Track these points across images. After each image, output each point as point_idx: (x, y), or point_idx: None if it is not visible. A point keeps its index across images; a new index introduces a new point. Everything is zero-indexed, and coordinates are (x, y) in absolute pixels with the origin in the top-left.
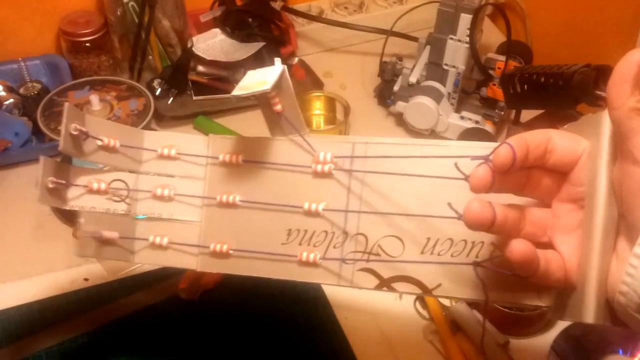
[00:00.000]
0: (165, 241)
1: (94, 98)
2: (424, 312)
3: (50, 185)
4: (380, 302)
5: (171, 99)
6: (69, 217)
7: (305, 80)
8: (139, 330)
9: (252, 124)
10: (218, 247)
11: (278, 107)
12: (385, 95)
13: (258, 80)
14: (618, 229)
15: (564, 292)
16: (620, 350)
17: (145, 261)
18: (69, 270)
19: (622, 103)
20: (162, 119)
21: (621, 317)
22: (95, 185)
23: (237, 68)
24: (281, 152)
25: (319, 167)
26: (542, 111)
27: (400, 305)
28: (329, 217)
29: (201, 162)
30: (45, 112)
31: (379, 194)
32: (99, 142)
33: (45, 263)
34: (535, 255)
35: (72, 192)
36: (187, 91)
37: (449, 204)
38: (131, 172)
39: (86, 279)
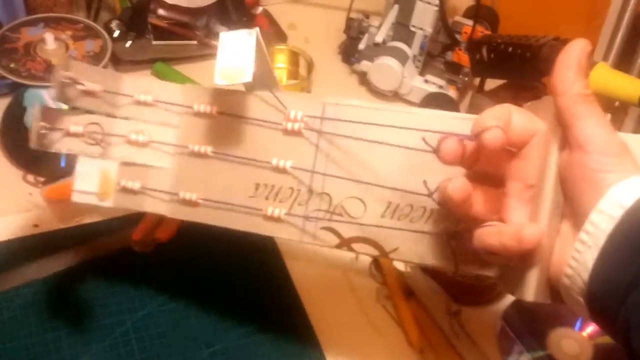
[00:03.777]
0: (137, 186)
1: (49, 36)
2: (379, 276)
3: (42, 131)
4: (336, 263)
5: (129, 42)
6: (20, 161)
7: (269, 31)
8: (88, 281)
9: (212, 73)
10: (187, 196)
11: None
12: (350, 52)
13: (236, 62)
14: (563, 213)
15: (509, 267)
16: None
17: (117, 205)
18: (18, 215)
19: (567, 89)
20: (120, 63)
21: (564, 298)
22: (72, 129)
23: (199, 15)
24: (254, 107)
25: (289, 125)
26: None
27: (356, 267)
28: (295, 174)
29: (177, 110)
30: None
31: (346, 157)
32: (81, 87)
33: None
34: (469, 192)
35: (54, 135)
36: (147, 35)
37: (424, 182)
38: (108, 116)
39: (36, 225)
